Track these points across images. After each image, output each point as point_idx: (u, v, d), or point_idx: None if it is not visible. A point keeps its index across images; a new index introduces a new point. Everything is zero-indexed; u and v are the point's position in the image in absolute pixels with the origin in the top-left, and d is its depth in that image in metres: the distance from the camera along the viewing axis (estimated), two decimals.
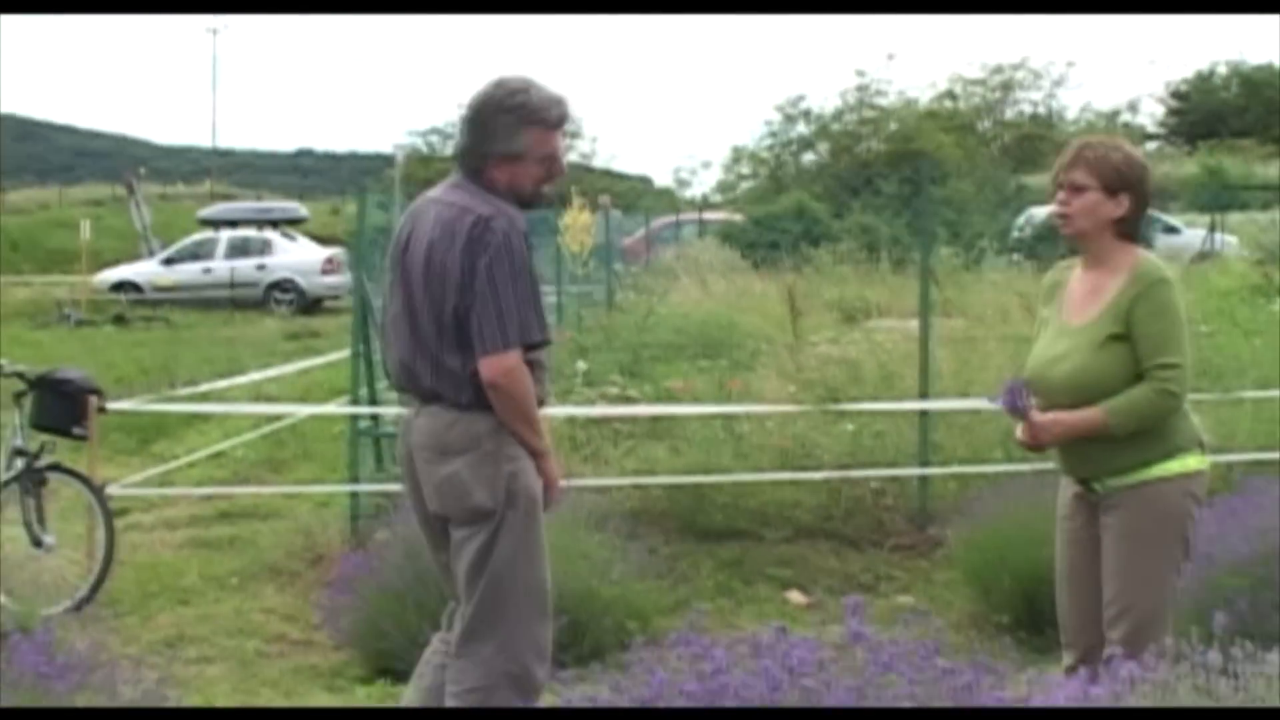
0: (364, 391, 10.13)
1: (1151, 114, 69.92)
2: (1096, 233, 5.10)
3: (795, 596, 8.71)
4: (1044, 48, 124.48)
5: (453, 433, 5.09)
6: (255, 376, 13.84)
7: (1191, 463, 5.06)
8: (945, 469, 9.70)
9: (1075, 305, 5.17)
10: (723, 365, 12.94)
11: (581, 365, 12.10)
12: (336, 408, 11.55)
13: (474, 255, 5.00)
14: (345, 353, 11.08)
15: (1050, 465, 9.03)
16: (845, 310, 19.08)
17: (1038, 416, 5.11)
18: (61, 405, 8.85)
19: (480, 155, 5.17)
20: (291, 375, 15.37)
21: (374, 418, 10.24)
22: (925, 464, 9.62)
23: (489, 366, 4.98)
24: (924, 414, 9.70)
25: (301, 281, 34.23)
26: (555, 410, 10.21)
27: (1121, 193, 5.06)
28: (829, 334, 14.25)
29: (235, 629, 8.36)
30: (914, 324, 16.04)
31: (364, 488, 9.79)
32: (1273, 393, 9.77)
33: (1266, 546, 6.54)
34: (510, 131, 5.14)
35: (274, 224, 36.79)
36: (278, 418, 13.13)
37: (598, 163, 65.93)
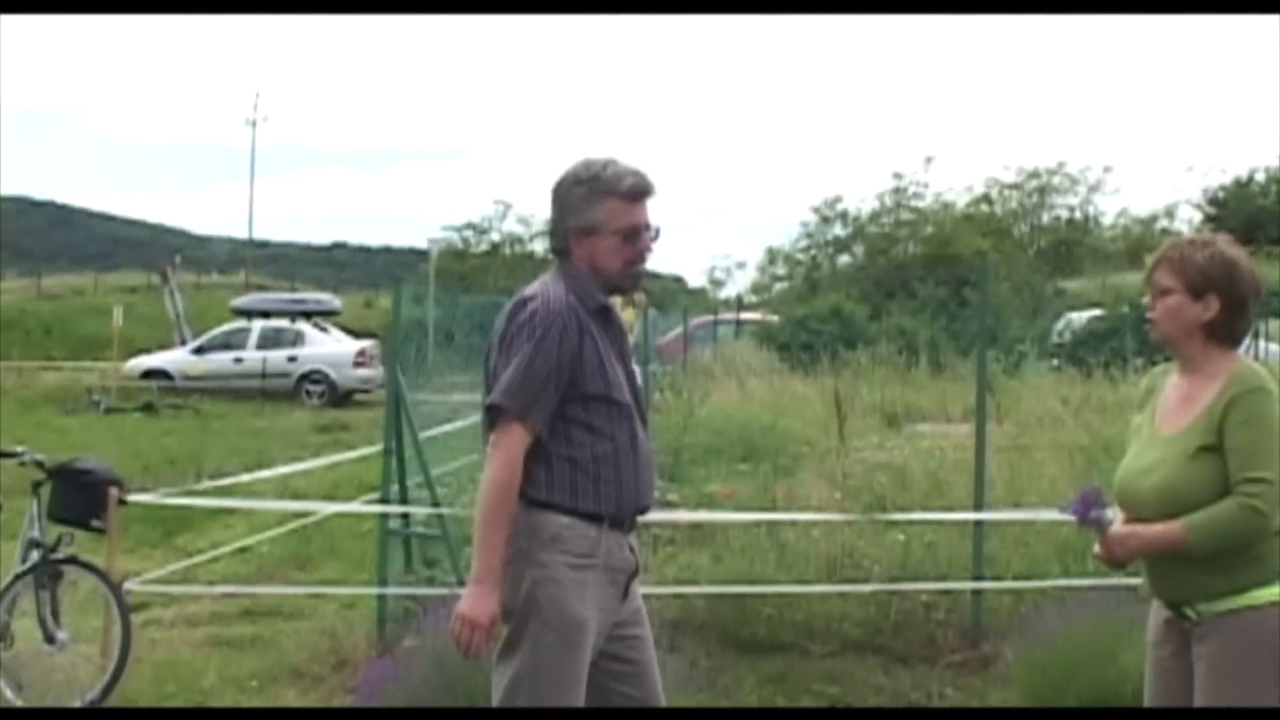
0: (394, 489, 9.77)
1: (1189, 220, 69.59)
2: (1184, 337, 4.76)
3: None
4: (1081, 152, 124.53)
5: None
6: (283, 470, 13.50)
7: None
8: (1000, 584, 9.27)
9: (1169, 414, 4.80)
10: (765, 469, 12.56)
11: None
12: (365, 505, 11.20)
13: (504, 331, 4.87)
14: (376, 448, 10.72)
15: (1113, 581, 8.85)
16: (886, 414, 18.68)
17: (1114, 529, 4.75)
18: (81, 496, 8.53)
19: (559, 234, 5.00)
20: (320, 469, 15.00)
21: (404, 516, 9.88)
22: (979, 577, 9.19)
23: (496, 426, 4.77)
24: (979, 525, 9.27)
25: (333, 374, 33.96)
26: None
27: (1208, 294, 4.70)
28: (873, 438, 13.88)
29: None
30: (959, 429, 15.82)
31: (392, 591, 9.42)
32: None
33: None
34: (583, 204, 4.93)
35: (307, 315, 36.57)
36: (305, 513, 12.78)
37: None
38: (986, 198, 59.77)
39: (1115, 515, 4.82)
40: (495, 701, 4.87)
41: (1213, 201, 69.39)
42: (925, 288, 39.00)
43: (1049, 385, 18.69)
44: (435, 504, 9.74)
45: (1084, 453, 12.07)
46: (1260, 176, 69.62)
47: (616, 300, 5.22)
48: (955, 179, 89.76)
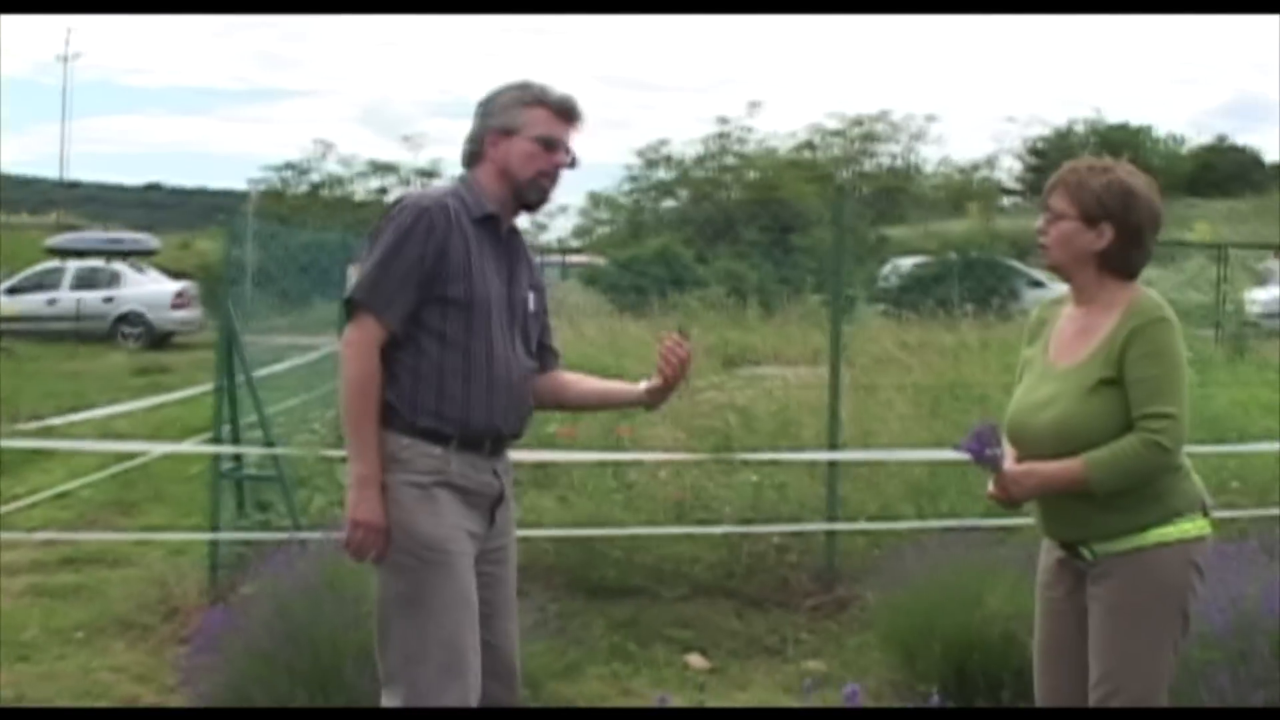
0: (226, 430, 9.34)
1: (1010, 170, 70.73)
2: (1076, 266, 4.55)
3: (696, 660, 8.03)
4: (904, 101, 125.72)
5: None
6: (103, 412, 12.98)
7: (1193, 528, 4.47)
8: (854, 525, 9.09)
9: (1063, 345, 4.59)
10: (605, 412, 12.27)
11: None
12: (196, 446, 10.74)
13: (374, 228, 4.67)
14: (201, 388, 10.27)
15: (968, 522, 8.73)
16: (721, 356, 18.53)
17: (1010, 467, 4.51)
18: None
19: (477, 138, 4.76)
20: (142, 412, 14.50)
21: (237, 458, 9.46)
22: (833, 519, 9.00)
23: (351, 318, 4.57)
24: (832, 465, 9.08)
25: (150, 315, 33.01)
26: None
27: (1103, 222, 4.49)
28: (714, 379, 13.64)
29: (82, 690, 7.49)
30: (796, 371, 15.70)
31: (225, 536, 9.00)
32: (1224, 448, 9.30)
33: (1243, 616, 5.95)
34: (510, 107, 4.72)
35: (124, 255, 35.50)
36: (128, 456, 12.29)
37: None
38: (810, 144, 60.01)
39: (1007, 452, 4.58)
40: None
41: (1033, 152, 70.53)
42: (751, 232, 39.05)
43: (885, 329, 18.65)
44: (269, 444, 9.33)
45: (929, 393, 11.98)
46: (1080, 128, 70.85)
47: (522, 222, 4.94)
48: (780, 124, 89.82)
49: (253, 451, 9.48)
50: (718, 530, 8.99)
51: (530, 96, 4.70)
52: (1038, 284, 33.39)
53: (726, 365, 17.76)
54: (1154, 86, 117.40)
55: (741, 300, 26.40)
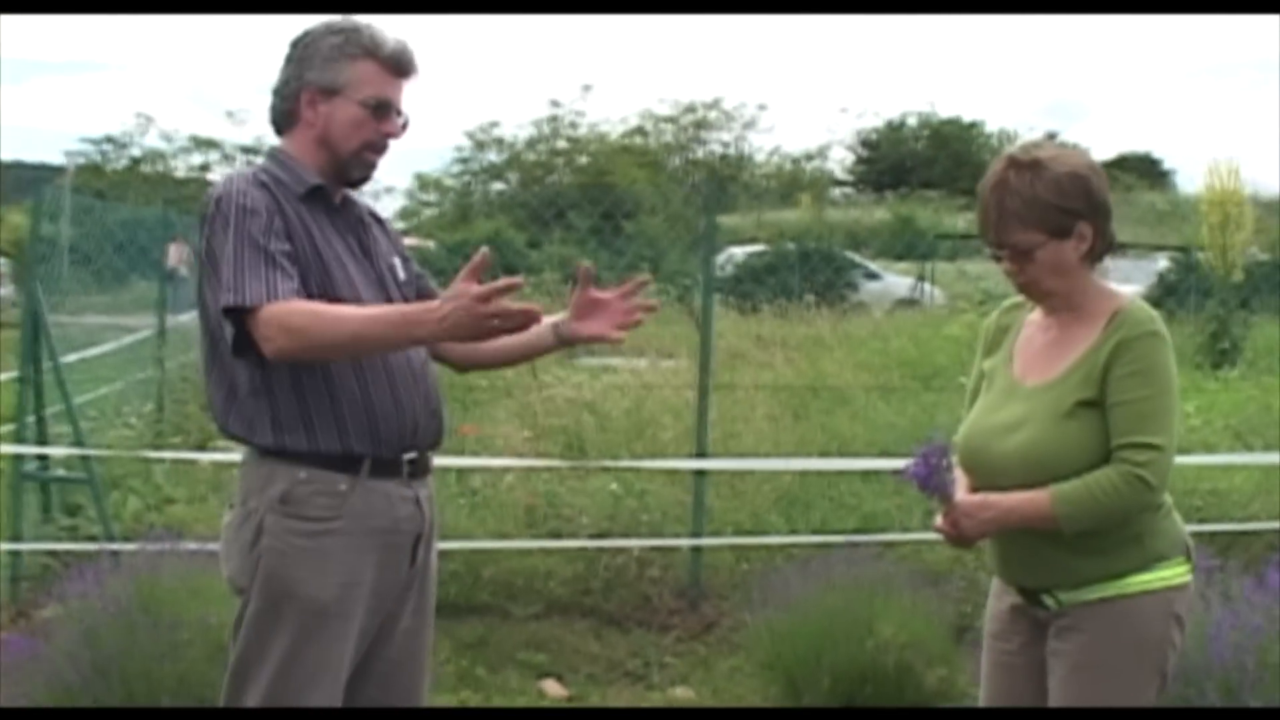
0: (31, 425, 8.43)
1: (841, 161, 70.86)
2: (1070, 283, 3.81)
3: (552, 687, 7.31)
4: (736, 89, 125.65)
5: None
6: None
7: (1175, 574, 3.81)
8: (723, 540, 8.41)
9: (1033, 359, 3.88)
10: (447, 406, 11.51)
11: None
12: None
13: (202, 243, 3.74)
14: (8, 374, 9.31)
15: (845, 539, 8.11)
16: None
17: (963, 497, 3.82)
18: None
19: (289, 93, 3.87)
20: None
21: (42, 458, 8.53)
22: (699, 532, 8.31)
23: (253, 329, 3.56)
24: (700, 474, 8.38)
25: None
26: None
27: (1078, 224, 3.77)
28: (559, 372, 12.91)
29: None
30: (641, 363, 15.02)
31: (27, 546, 8.08)
32: None
33: (1183, 658, 5.33)
34: (332, 57, 3.83)
35: None
36: None
37: None
38: (642, 129, 59.56)
39: (958, 479, 3.89)
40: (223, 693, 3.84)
41: (865, 143, 70.80)
42: (583, 218, 38.37)
43: (731, 321, 18.04)
44: (79, 442, 8.43)
45: (791, 393, 11.37)
46: (912, 120, 71.24)
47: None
48: (612, 109, 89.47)
49: (59, 453, 8.57)
50: (573, 544, 8.27)
51: (357, 46, 3.84)
52: (874, 276, 33.22)
53: (567, 355, 17.03)
54: (982, 83, 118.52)
55: (575, 287, 25.67)
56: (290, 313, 3.52)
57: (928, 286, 29.01)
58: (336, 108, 3.81)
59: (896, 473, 3.93)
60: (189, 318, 17.38)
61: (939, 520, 3.85)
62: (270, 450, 3.72)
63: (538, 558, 8.31)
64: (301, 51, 3.85)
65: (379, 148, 3.89)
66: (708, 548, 8.38)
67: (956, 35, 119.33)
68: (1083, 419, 3.71)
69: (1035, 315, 3.96)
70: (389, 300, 3.85)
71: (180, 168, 55.25)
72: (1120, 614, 3.75)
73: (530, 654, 7.61)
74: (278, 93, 3.89)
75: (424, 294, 4.01)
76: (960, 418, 4.10)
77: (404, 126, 3.95)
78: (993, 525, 3.78)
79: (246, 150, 55.02)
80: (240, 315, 3.57)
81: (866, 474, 9.16)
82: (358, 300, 3.73)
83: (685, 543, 8.34)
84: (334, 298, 3.68)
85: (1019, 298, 4.04)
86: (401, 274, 4.00)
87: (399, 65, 3.88)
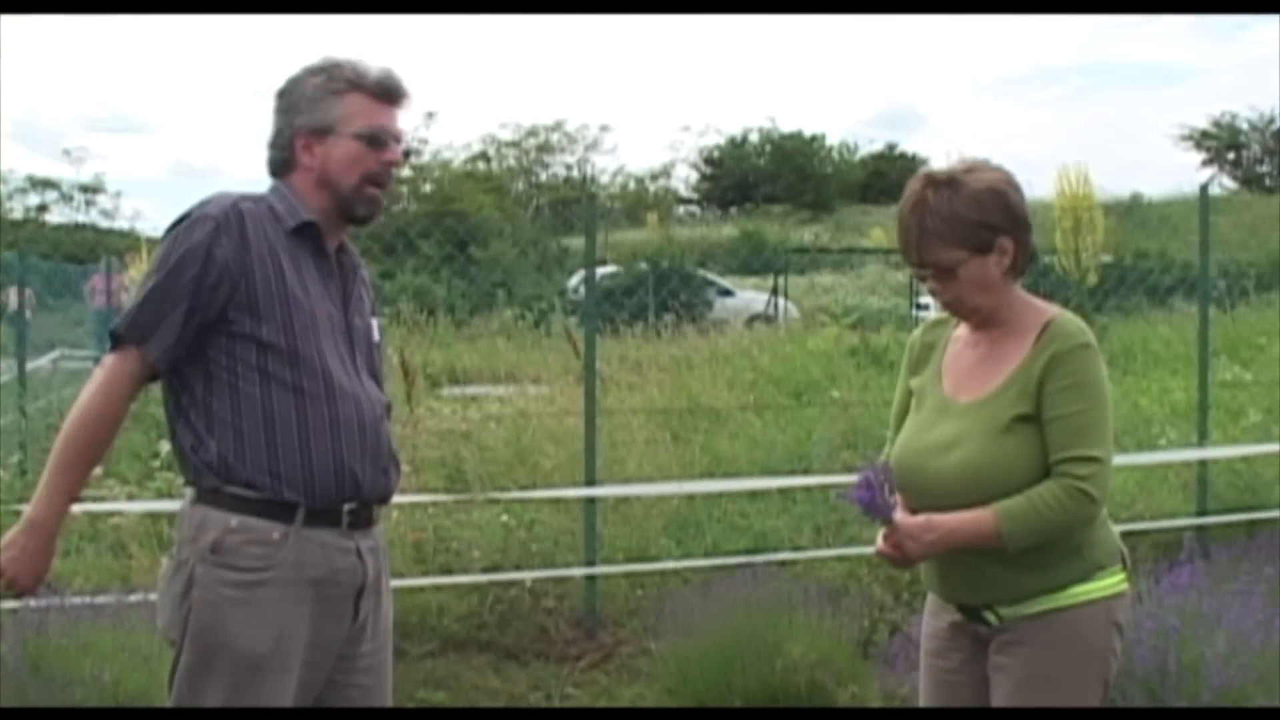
0: None
1: (685, 179, 71.16)
2: (995, 299, 3.80)
3: None
4: (578, 111, 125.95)
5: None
6: None
7: (1113, 582, 3.80)
8: (618, 567, 8.33)
9: (963, 375, 3.85)
10: None
11: (166, 446, 10.26)
12: None
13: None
14: None
15: (735, 560, 8.07)
16: (426, 376, 17.60)
17: (904, 518, 3.76)
18: None
19: (283, 142, 3.78)
20: None
21: None
22: (592, 561, 8.22)
23: None
24: (591, 502, 8.29)
25: None
26: (130, 506, 8.49)
27: (999, 239, 3.76)
28: (429, 404, 12.76)
29: None
30: (509, 390, 14.91)
31: None
32: None
33: None
34: (318, 98, 3.74)
35: None
36: None
37: (122, 222, 62.52)
38: (485, 155, 59.43)
39: (898, 500, 3.83)
40: None
41: (708, 160, 71.13)
42: (431, 245, 38.13)
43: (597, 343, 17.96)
44: None
45: (668, 415, 11.32)
46: (754, 137, 71.74)
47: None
48: (455, 135, 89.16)
49: None
50: (466, 579, 8.14)
51: (341, 81, 3.74)
52: (727, 293, 33.32)
53: (432, 386, 16.85)
54: (817, 94, 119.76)
55: (431, 317, 25.49)
56: (114, 380, 3.61)
57: (782, 301, 29.15)
58: (331, 146, 3.72)
59: (841, 494, 3.85)
60: (44, 362, 17.01)
61: (880, 543, 3.79)
62: (207, 490, 3.60)
63: (430, 594, 8.17)
64: (287, 100, 3.76)
65: (381, 179, 3.78)
66: (602, 575, 8.29)
67: (791, 49, 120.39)
68: (1020, 434, 3.69)
69: (961, 331, 3.93)
70: (353, 352, 3.76)
71: (16, 209, 54.22)
72: (1064, 625, 3.73)
73: (430, 692, 7.46)
74: (272, 144, 3.80)
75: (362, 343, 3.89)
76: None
77: (407, 154, 3.89)
78: (937, 546, 3.73)
79: (85, 189, 54.22)
80: (113, 338, 3.64)
81: (753, 494, 9.14)
82: (320, 341, 3.65)
83: (580, 572, 8.24)
84: (295, 334, 3.61)
85: (941, 315, 4.01)
86: (376, 336, 3.90)
87: (387, 92, 3.79)
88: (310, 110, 3.72)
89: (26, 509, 3.61)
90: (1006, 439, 3.69)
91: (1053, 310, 3.83)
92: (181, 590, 3.60)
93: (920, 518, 3.74)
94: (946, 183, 3.76)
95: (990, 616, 3.80)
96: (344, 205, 3.75)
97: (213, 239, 3.57)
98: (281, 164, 3.78)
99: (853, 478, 3.74)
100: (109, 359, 3.62)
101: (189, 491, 3.68)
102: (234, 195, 3.71)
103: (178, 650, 3.64)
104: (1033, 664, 3.74)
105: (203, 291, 3.56)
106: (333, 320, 3.71)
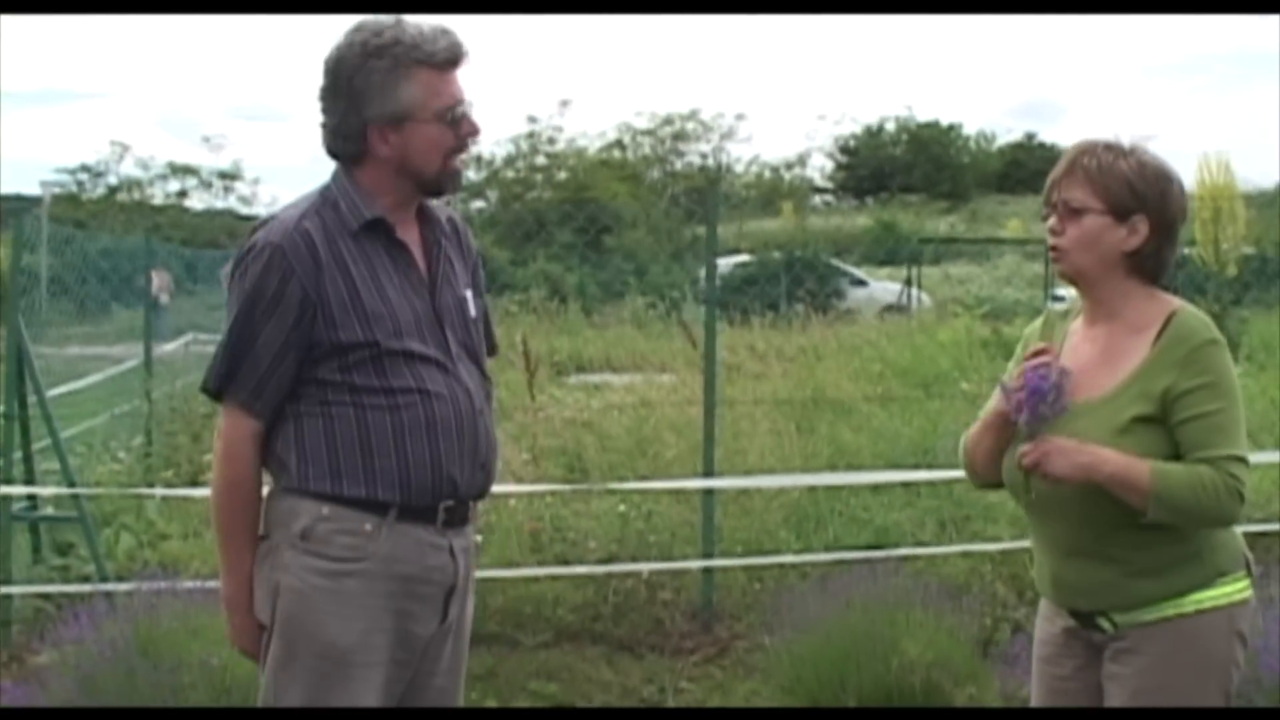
0: (18, 462, 8.18)
1: (821, 168, 70.72)
2: (1100, 272, 3.64)
3: None
4: (714, 99, 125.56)
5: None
6: None
7: (1237, 589, 3.62)
8: (735, 560, 8.19)
9: (1082, 372, 3.64)
10: None
11: None
12: None
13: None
14: None
15: (860, 555, 7.90)
16: (551, 364, 17.56)
17: (1058, 442, 3.52)
18: None
19: (354, 133, 3.58)
20: None
21: (30, 497, 8.29)
22: (709, 553, 8.09)
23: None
24: (708, 493, 8.15)
25: None
26: None
27: (1136, 215, 3.60)
28: (553, 392, 12.71)
29: None
30: (634, 379, 14.83)
31: (18, 589, 7.83)
32: None
33: None
34: (388, 83, 3.52)
35: None
36: None
37: (260, 209, 63.46)
38: (620, 143, 59.32)
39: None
40: None
41: (844, 149, 70.66)
42: (564, 233, 38.20)
43: (725, 332, 17.82)
44: (70, 482, 8.18)
45: (794, 406, 11.16)
46: (890, 126, 71.14)
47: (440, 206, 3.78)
48: (590, 124, 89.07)
49: (48, 492, 8.33)
50: (582, 569, 8.05)
51: (409, 61, 3.52)
52: (861, 283, 33.04)
53: (557, 374, 16.80)
54: (957, 85, 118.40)
55: (562, 304, 25.47)
56: (236, 446, 3.57)
57: (915, 292, 28.86)
58: (410, 134, 3.55)
59: (1011, 383, 3.61)
60: (174, 347, 17.18)
61: (1024, 448, 3.56)
62: (293, 489, 3.54)
63: (545, 584, 8.08)
64: (351, 88, 3.54)
65: (464, 150, 3.63)
66: (719, 568, 8.16)
67: (930, 37, 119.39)
68: (1138, 435, 3.51)
69: (1079, 324, 3.76)
70: (445, 340, 3.63)
71: (158, 195, 55.04)
72: (1182, 634, 3.56)
73: (542, 684, 7.38)
74: (337, 132, 3.61)
75: (488, 337, 3.84)
76: (961, 426, 3.90)
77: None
78: (1081, 471, 3.49)
79: (224, 175, 54.88)
80: (208, 395, 3.63)
81: (877, 487, 8.97)
82: (404, 347, 3.54)
83: (697, 564, 8.12)
84: (380, 345, 3.51)
85: (1063, 306, 3.85)
86: (473, 310, 3.75)
87: (453, 59, 3.60)
88: (382, 99, 3.53)
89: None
90: (1125, 440, 3.51)
91: (1174, 303, 3.66)
92: (269, 574, 3.54)
93: (1073, 440, 3.52)
94: (1124, 147, 3.67)
95: (1104, 623, 3.64)
96: (428, 186, 3.64)
97: (286, 271, 3.48)
98: (352, 156, 3.61)
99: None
100: (223, 428, 3.59)
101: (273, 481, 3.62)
102: (293, 214, 3.57)
103: (267, 636, 3.58)
104: (1148, 674, 3.57)
105: (298, 328, 3.49)
106: (418, 314, 3.59)
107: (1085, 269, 3.64)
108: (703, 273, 29.18)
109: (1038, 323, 3.89)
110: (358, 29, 3.56)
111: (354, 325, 3.49)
